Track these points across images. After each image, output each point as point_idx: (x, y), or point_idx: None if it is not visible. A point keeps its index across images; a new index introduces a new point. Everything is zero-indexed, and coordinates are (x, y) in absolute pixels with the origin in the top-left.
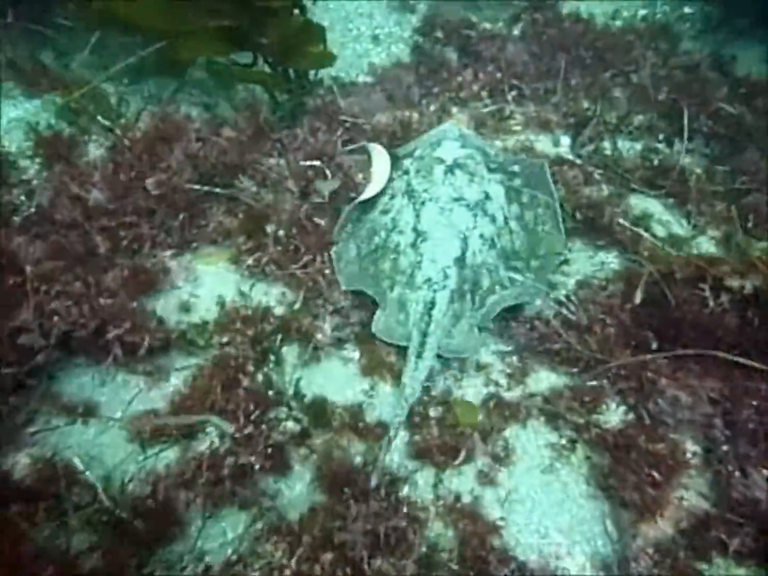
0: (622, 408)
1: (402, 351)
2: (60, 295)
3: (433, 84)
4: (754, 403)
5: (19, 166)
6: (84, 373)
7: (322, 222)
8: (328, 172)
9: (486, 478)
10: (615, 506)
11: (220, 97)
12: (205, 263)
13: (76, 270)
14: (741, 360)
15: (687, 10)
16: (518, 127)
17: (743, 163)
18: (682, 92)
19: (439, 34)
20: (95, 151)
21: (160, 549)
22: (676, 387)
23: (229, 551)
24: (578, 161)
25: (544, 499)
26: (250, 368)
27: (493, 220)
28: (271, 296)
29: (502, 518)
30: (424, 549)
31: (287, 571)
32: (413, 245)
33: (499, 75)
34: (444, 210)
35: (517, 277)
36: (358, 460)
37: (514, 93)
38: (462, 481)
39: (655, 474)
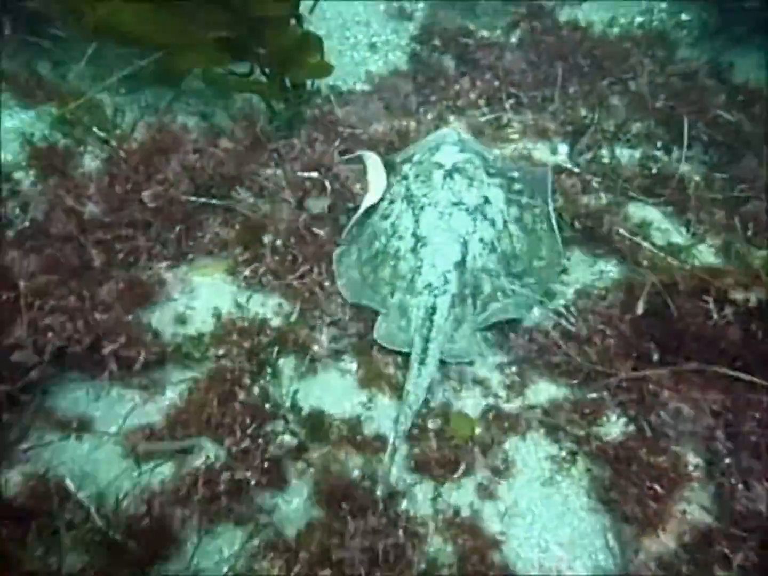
0: (623, 420)
1: (400, 362)
2: (54, 310)
3: (431, 92)
4: (757, 415)
5: (12, 178)
6: (78, 388)
7: (321, 232)
8: (327, 183)
9: (485, 492)
10: (616, 520)
11: (217, 106)
12: (201, 275)
13: (71, 283)
14: (742, 375)
15: (684, 17)
16: (516, 136)
17: (742, 170)
18: (679, 100)
19: (437, 41)
20: (91, 162)
21: (155, 568)
22: (679, 399)
23: (225, 569)
24: (576, 169)
25: (544, 512)
26: (247, 381)
27: (493, 223)
28: (267, 307)
29: (502, 532)
30: (423, 565)
31: None
32: (413, 250)
33: (496, 83)
34: (443, 214)
35: (518, 289)
36: (356, 473)
37: (511, 101)
38: (461, 495)
39: (657, 487)
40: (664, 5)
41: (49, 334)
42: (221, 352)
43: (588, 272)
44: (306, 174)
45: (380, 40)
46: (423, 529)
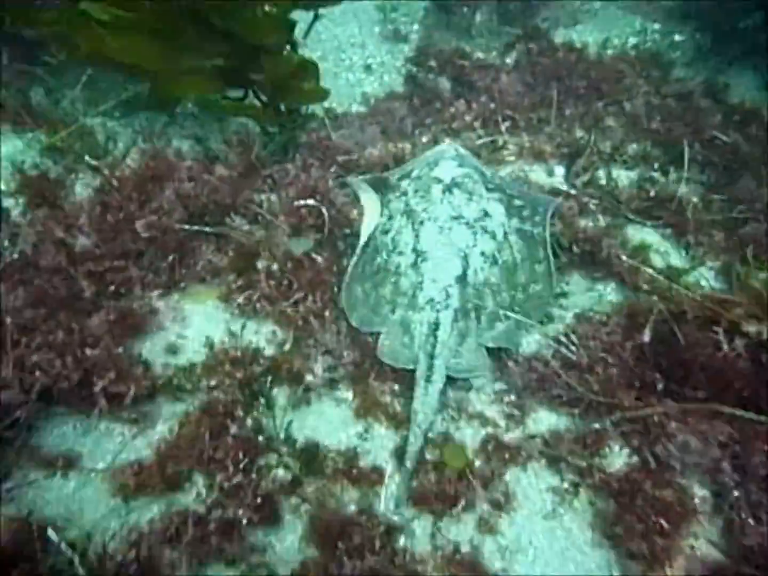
0: (626, 451)
1: (397, 390)
2: (42, 346)
3: (426, 115)
4: (765, 447)
5: (2, 207)
6: (65, 423)
7: (319, 258)
8: (323, 210)
9: (486, 526)
10: (622, 556)
11: (212, 130)
12: (193, 302)
13: (60, 316)
14: (747, 415)
15: (677, 38)
16: (512, 158)
17: (739, 191)
18: (675, 120)
19: (433, 63)
20: (82, 191)
21: None
22: (686, 431)
23: None
24: (573, 191)
25: (546, 547)
26: (239, 413)
27: (494, 236)
28: (261, 335)
29: (503, 569)
30: None
31: None
32: (414, 265)
33: (492, 105)
34: (443, 229)
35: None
36: (352, 508)
37: (507, 123)
38: (461, 530)
39: (663, 522)
40: (657, 26)
41: (37, 373)
42: (213, 383)
43: (587, 296)
44: (302, 202)
45: (375, 62)
46: (422, 566)
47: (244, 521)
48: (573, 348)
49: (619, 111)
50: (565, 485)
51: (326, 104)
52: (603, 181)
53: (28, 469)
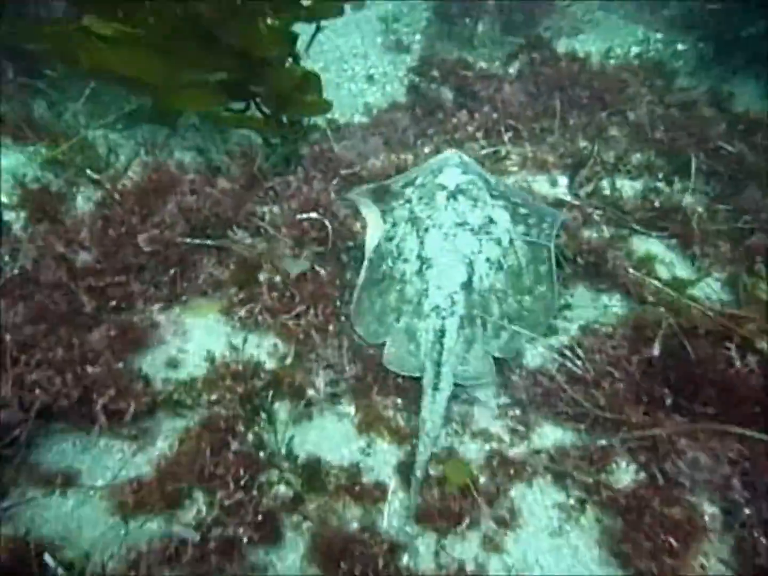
0: (633, 467)
1: (400, 404)
2: (41, 363)
3: (428, 125)
4: None
5: (4, 221)
6: (64, 439)
7: (322, 271)
8: (326, 223)
9: (491, 544)
10: (630, 574)
11: (214, 141)
12: (194, 315)
13: (60, 331)
14: (757, 435)
15: (680, 47)
16: (515, 168)
17: (745, 201)
18: (679, 130)
19: (435, 73)
20: (83, 205)
21: None
22: (696, 448)
23: None
24: (576, 202)
25: (553, 565)
26: (240, 428)
27: (499, 242)
28: (262, 349)
29: None
30: None
31: None
32: (419, 272)
33: (495, 115)
34: (448, 235)
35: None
36: (354, 526)
37: (510, 133)
38: (466, 548)
39: (672, 540)
40: (659, 35)
41: (36, 390)
42: (214, 397)
43: (591, 307)
44: (305, 215)
45: (378, 72)
46: None
47: (245, 540)
48: (579, 362)
49: (623, 121)
50: (572, 501)
51: (328, 115)
52: (607, 192)
53: (26, 486)
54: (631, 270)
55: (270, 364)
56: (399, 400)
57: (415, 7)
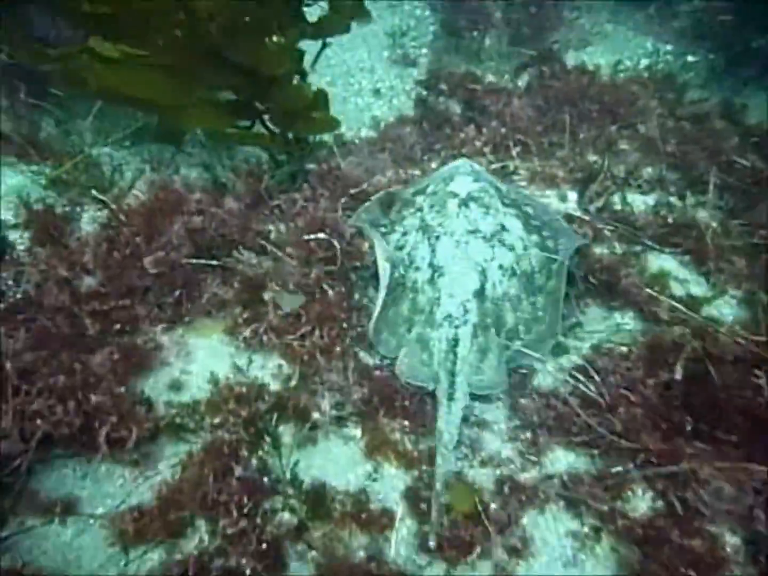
0: (650, 494)
1: (407, 426)
2: (42, 391)
3: (436, 140)
4: None
5: (8, 242)
6: (64, 465)
7: (331, 291)
8: (335, 243)
9: (503, 574)
10: None
11: (220, 157)
12: (198, 336)
13: (61, 357)
14: None
15: (690, 58)
16: (523, 183)
17: (759, 215)
18: (691, 143)
19: (443, 86)
20: (88, 226)
21: None
22: (718, 476)
23: None
24: (587, 217)
25: None
26: (244, 453)
27: (512, 249)
28: (267, 370)
29: None
30: None
31: None
32: (431, 281)
33: (503, 130)
34: (460, 243)
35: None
36: (361, 555)
37: (518, 148)
38: None
39: (693, 573)
40: (669, 47)
41: (38, 421)
42: (217, 421)
43: (603, 325)
44: (312, 236)
45: (384, 86)
46: None
47: (248, 571)
48: (593, 387)
49: (633, 134)
50: (586, 530)
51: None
52: (618, 207)
53: (25, 515)
54: (646, 289)
55: (274, 386)
56: (406, 423)
57: (421, 21)
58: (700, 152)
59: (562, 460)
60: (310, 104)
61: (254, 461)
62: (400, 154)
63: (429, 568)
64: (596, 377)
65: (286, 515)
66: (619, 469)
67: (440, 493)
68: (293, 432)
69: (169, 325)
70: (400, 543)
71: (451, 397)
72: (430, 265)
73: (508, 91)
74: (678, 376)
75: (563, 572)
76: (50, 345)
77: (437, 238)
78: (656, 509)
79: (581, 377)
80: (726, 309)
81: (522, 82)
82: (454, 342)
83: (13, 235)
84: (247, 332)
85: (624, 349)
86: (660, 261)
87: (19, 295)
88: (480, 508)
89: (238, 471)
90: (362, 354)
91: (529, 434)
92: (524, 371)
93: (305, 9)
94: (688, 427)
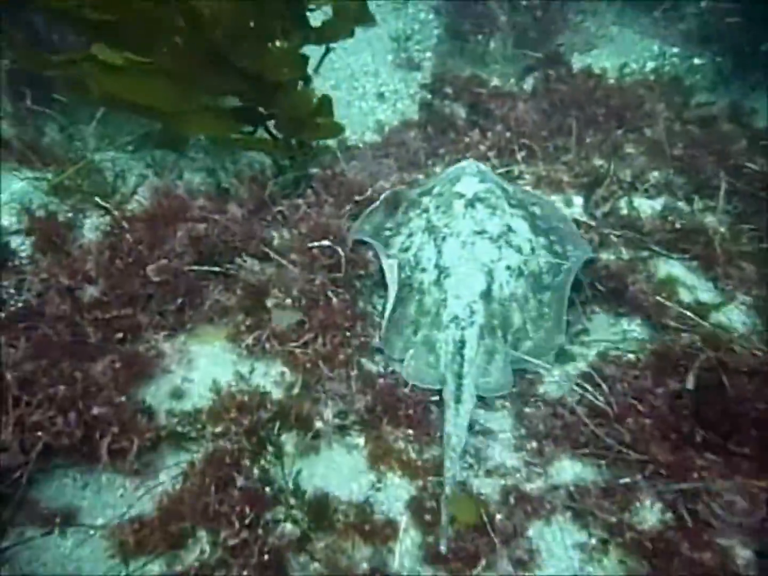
0: (659, 506)
1: (411, 434)
2: (42, 402)
3: (440, 144)
4: None
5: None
6: (64, 475)
7: (335, 299)
8: (340, 251)
9: None
10: None
11: (223, 162)
12: (200, 343)
13: (62, 366)
14: None
15: (697, 61)
16: (528, 188)
17: None
18: (699, 147)
19: (448, 90)
20: (90, 233)
21: None
22: (729, 488)
23: None
24: (593, 222)
25: None
26: (246, 462)
27: (519, 250)
28: (269, 377)
29: None
30: None
31: None
32: (437, 282)
33: (508, 134)
34: (466, 244)
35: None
36: (364, 566)
37: (523, 153)
38: None
39: None
40: (675, 50)
41: (38, 433)
42: (219, 430)
43: (610, 332)
44: (316, 243)
45: (389, 90)
46: None
47: None
48: (600, 396)
49: (640, 138)
50: (593, 542)
51: None
52: (624, 212)
53: (25, 526)
54: (652, 295)
55: (277, 394)
56: (410, 432)
57: (426, 25)
58: (708, 156)
59: (568, 470)
60: (314, 110)
61: (256, 471)
62: (405, 158)
63: None
64: (603, 386)
65: (288, 526)
66: (627, 480)
67: (449, 497)
68: (296, 441)
69: (171, 333)
70: (404, 554)
71: (458, 400)
72: (437, 266)
73: (513, 95)
74: (690, 385)
75: None
76: (51, 354)
77: (443, 239)
78: (665, 521)
79: (588, 386)
80: (735, 315)
81: (527, 85)
82: (461, 344)
83: (14, 242)
84: (249, 340)
85: (632, 356)
86: (667, 267)
87: (20, 304)
88: (485, 518)
89: (239, 481)
90: (365, 362)
91: (534, 444)
92: (530, 377)
93: (309, 13)
94: (699, 438)
